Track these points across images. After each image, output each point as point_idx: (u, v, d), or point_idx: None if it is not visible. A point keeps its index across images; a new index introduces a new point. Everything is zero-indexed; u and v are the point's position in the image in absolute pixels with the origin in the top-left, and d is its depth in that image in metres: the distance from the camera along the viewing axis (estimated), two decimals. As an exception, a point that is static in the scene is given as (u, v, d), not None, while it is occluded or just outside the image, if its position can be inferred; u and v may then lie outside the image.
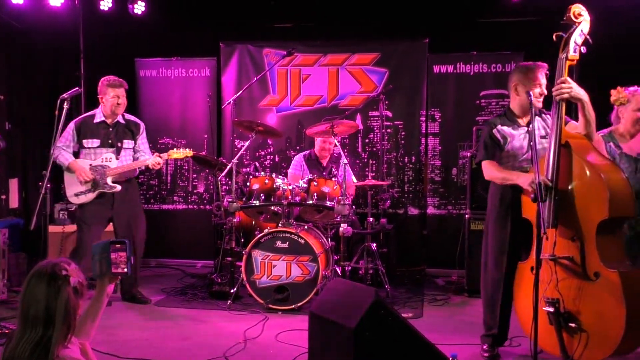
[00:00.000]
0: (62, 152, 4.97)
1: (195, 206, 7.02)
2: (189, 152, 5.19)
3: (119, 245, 2.43)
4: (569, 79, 3.27)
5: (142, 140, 5.23)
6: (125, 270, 2.44)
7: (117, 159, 5.01)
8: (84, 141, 5.01)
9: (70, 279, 2.09)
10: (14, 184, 6.49)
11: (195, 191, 7.02)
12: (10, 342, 2.09)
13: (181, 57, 6.97)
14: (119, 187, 4.98)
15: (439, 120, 6.54)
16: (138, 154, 5.17)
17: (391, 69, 6.60)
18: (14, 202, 6.49)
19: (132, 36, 6.93)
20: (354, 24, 6.78)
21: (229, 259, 5.28)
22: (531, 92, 3.46)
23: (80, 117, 5.20)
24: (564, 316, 3.21)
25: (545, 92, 3.58)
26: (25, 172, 6.69)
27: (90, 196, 4.96)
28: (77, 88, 4.61)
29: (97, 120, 5.05)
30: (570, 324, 3.19)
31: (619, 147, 3.84)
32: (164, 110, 7.01)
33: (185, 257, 6.87)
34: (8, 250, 5.38)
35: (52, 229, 5.71)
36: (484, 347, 3.82)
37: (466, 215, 5.57)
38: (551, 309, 3.20)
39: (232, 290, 5.08)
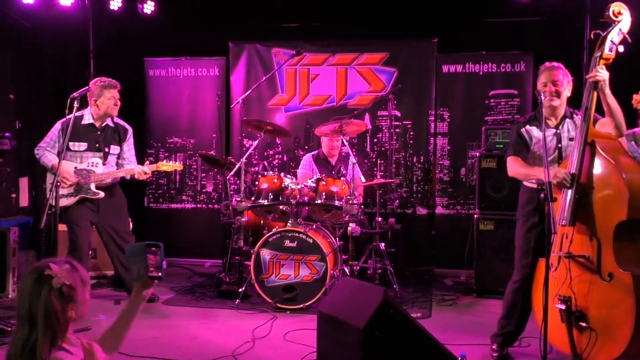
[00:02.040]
0: (46, 152, 4.83)
1: (203, 205, 7.04)
2: (178, 166, 5.13)
3: (153, 248, 2.31)
4: (604, 67, 3.26)
5: (129, 146, 5.07)
6: (160, 274, 2.31)
7: (103, 164, 4.89)
8: (70, 143, 4.78)
9: (52, 281, 1.98)
10: (23, 183, 6.53)
11: (204, 190, 7.04)
12: None
13: (190, 56, 6.99)
14: (102, 194, 4.85)
15: (448, 120, 6.53)
16: (122, 161, 5.03)
17: (400, 69, 6.60)
18: (24, 200, 6.52)
19: (141, 36, 6.96)
20: (363, 23, 6.78)
21: (238, 258, 5.29)
22: (541, 93, 3.48)
23: (67, 117, 4.88)
24: (576, 314, 3.19)
25: (552, 89, 3.57)
26: (35, 171, 6.72)
27: (72, 200, 4.81)
28: (86, 87, 4.62)
29: (85, 122, 4.87)
30: (581, 323, 3.17)
31: None
32: (173, 109, 7.03)
33: (194, 256, 6.88)
34: (18, 248, 5.41)
35: (61, 227, 5.73)
36: (494, 346, 3.81)
37: (475, 215, 5.56)
38: (563, 307, 3.19)
39: (240, 290, 5.08)
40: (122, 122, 5.10)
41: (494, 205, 5.47)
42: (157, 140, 7.00)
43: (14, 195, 6.35)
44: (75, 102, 4.30)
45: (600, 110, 3.40)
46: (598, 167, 3.21)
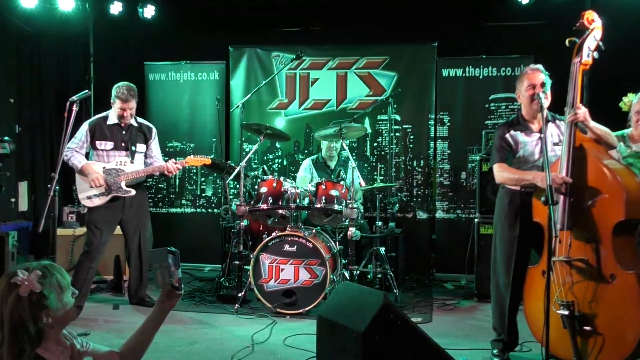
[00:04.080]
0: (75, 154, 4.87)
1: (203, 210, 7.02)
2: (207, 160, 5.09)
3: (172, 255, 2.21)
4: (581, 106, 3.31)
5: (155, 145, 5.15)
6: (177, 284, 2.21)
7: (131, 162, 4.94)
8: (97, 143, 4.88)
9: (19, 289, 1.91)
10: (23, 187, 6.52)
11: (203, 195, 7.03)
12: None
13: (190, 60, 6.99)
14: (133, 192, 4.90)
15: (448, 123, 6.52)
16: (150, 159, 5.10)
17: (400, 73, 6.60)
18: (23, 205, 6.51)
19: (141, 40, 6.96)
20: (363, 27, 6.78)
21: (237, 262, 5.27)
22: (524, 96, 3.58)
23: (93, 118, 5.07)
24: (579, 319, 3.17)
25: (540, 90, 3.56)
26: (35, 175, 6.71)
27: (104, 199, 4.86)
28: (86, 91, 4.62)
29: (110, 122, 4.93)
30: (585, 327, 3.15)
31: (630, 147, 3.91)
32: (172, 113, 7.03)
33: (193, 260, 6.84)
34: (17, 252, 5.39)
35: (60, 231, 5.73)
36: (494, 352, 3.79)
37: (475, 220, 5.54)
38: (566, 312, 3.17)
39: (239, 294, 5.06)
40: (145, 122, 5.16)
41: (494, 209, 5.44)
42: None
43: (13, 200, 6.35)
44: (75, 106, 4.29)
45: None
46: (590, 171, 3.23)
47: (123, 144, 4.94)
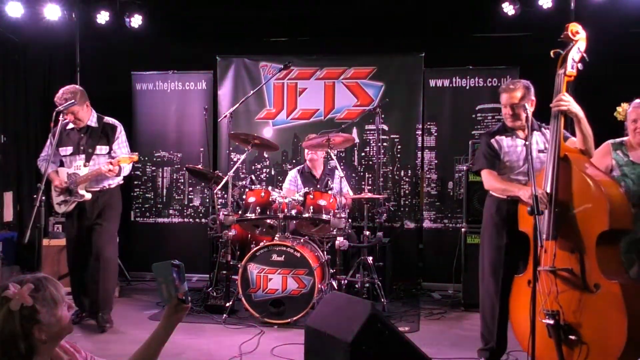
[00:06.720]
0: (43, 163, 4.78)
1: (191, 219, 6.99)
2: (134, 157, 4.79)
3: (176, 269, 2.15)
4: (567, 94, 3.32)
5: (118, 144, 4.88)
6: (184, 297, 2.15)
7: (85, 165, 4.74)
8: (60, 149, 4.78)
9: (10, 303, 1.85)
10: (8, 197, 6.47)
11: (191, 204, 7.00)
12: None
13: (177, 70, 6.98)
14: (88, 196, 4.72)
15: (435, 133, 6.56)
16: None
17: (387, 83, 6.63)
18: (8, 215, 6.46)
19: (128, 49, 6.94)
20: (351, 38, 6.83)
21: (225, 272, 5.25)
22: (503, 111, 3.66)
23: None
24: (564, 328, 3.19)
25: (511, 112, 3.62)
26: (20, 185, 6.66)
27: (71, 206, 4.76)
28: (72, 100, 4.58)
29: (69, 126, 4.79)
30: (570, 337, 3.17)
31: (627, 155, 3.92)
32: (160, 123, 7.00)
33: (181, 270, 6.79)
34: (2, 263, 5.34)
35: (46, 242, 5.67)
36: (481, 360, 3.81)
37: (462, 229, 5.57)
38: (551, 322, 3.18)
39: (227, 304, 5.04)
40: (110, 121, 4.92)
41: (481, 218, 5.46)
42: (144, 154, 6.95)
43: (-2, 210, 6.30)
44: (61, 116, 4.27)
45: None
46: (574, 181, 3.25)
47: (81, 147, 4.79)
